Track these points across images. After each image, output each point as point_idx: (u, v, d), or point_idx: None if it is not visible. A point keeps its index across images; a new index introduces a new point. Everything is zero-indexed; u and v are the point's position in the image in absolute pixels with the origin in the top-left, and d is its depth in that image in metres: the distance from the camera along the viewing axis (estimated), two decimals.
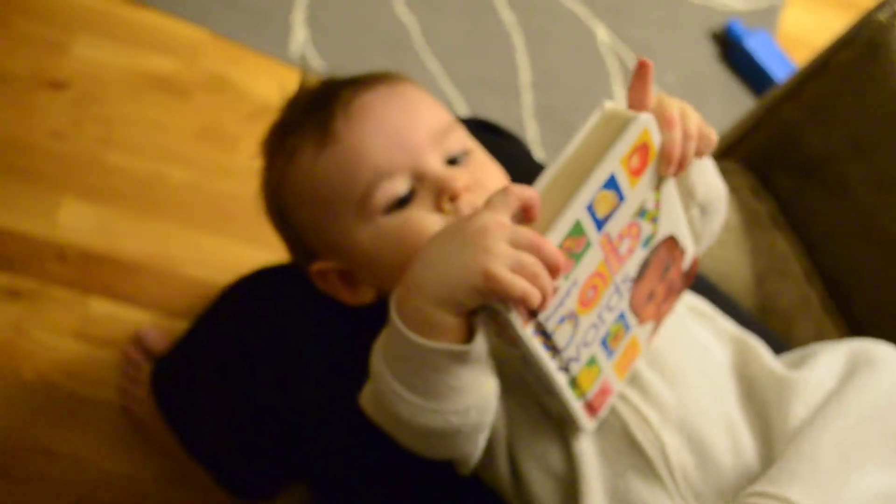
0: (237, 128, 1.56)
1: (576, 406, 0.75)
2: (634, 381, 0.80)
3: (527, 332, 0.66)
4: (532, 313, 0.65)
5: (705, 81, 1.78)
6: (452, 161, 0.81)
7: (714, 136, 0.73)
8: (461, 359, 0.66)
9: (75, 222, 1.45)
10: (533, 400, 0.78)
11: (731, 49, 1.79)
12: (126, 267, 1.43)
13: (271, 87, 1.57)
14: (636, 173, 0.68)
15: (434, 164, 0.79)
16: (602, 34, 1.79)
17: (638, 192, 0.69)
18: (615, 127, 0.67)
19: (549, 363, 0.69)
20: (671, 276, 0.78)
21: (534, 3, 1.79)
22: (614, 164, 0.66)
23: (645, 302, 0.76)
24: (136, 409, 1.32)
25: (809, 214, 1.16)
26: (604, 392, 0.76)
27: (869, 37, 1.05)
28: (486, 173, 0.82)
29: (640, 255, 0.73)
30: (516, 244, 0.64)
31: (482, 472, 0.81)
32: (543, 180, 0.67)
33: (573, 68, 1.75)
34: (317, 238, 0.85)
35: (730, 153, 1.22)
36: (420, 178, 0.79)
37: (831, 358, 0.82)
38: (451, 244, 0.66)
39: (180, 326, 1.30)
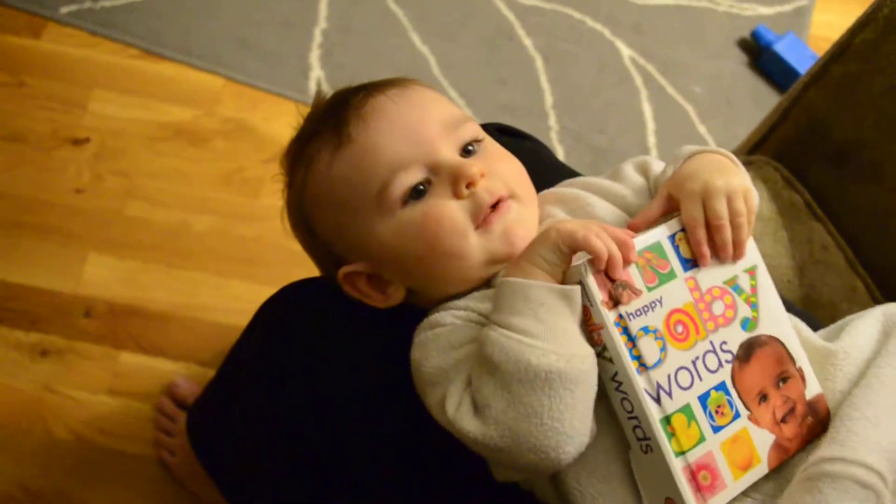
0: (259, 171, 1.55)
1: (675, 464, 0.72)
2: None
3: (608, 313, 0.71)
4: (614, 302, 0.72)
5: (736, 89, 1.75)
6: (466, 152, 0.83)
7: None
8: (564, 296, 0.72)
9: (101, 276, 1.43)
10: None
11: (761, 54, 1.76)
12: (154, 318, 1.41)
13: (291, 128, 1.56)
14: None
15: (448, 154, 0.81)
16: (627, 52, 1.75)
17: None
18: None
19: (634, 372, 0.71)
20: (790, 392, 0.77)
21: (555, 26, 1.77)
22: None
23: (755, 397, 0.76)
24: (172, 460, 1.30)
25: (847, 202, 1.12)
26: (708, 468, 0.73)
27: (888, 13, 1.03)
28: (500, 161, 0.84)
29: (739, 333, 0.76)
30: (586, 228, 0.74)
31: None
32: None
33: (598, 89, 1.71)
34: (341, 242, 0.85)
35: (760, 147, 1.19)
36: (435, 169, 0.81)
37: (868, 324, 0.83)
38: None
39: (212, 375, 1.27)
